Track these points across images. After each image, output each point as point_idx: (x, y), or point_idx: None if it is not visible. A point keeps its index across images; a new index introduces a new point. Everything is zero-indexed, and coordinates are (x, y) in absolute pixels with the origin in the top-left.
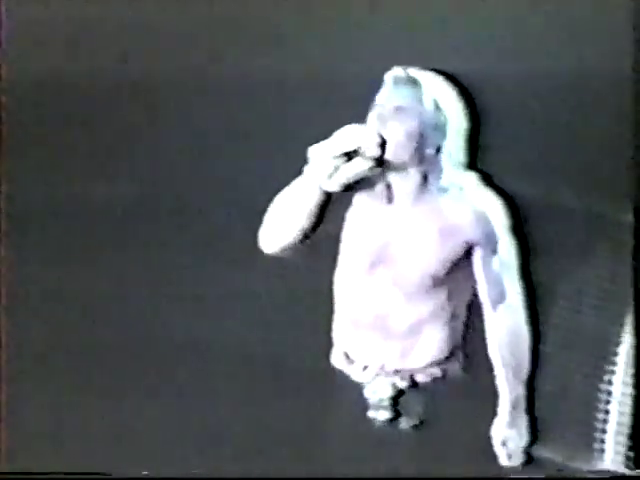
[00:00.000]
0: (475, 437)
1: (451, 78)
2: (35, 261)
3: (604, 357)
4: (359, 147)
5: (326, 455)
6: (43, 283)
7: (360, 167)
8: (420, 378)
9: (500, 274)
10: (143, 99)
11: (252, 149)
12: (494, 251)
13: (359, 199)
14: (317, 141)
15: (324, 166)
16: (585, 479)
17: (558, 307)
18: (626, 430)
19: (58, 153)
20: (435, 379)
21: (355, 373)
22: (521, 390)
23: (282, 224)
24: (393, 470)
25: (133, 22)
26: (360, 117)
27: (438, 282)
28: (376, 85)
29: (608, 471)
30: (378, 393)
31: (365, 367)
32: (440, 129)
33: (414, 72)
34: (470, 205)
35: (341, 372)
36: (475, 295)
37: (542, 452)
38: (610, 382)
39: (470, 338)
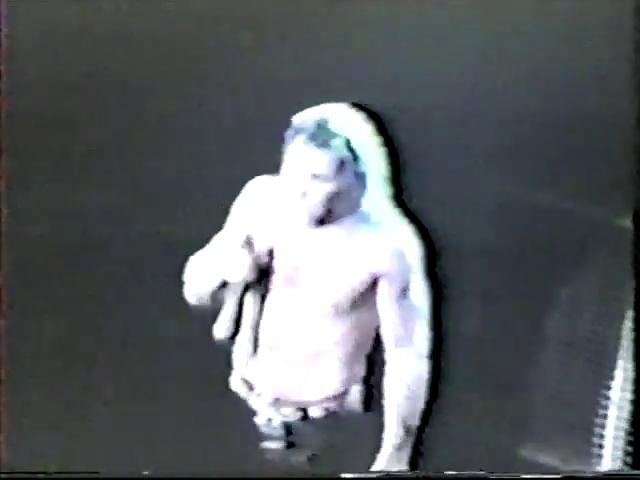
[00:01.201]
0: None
1: (372, 113)
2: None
3: (602, 363)
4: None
5: None
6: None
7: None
8: (315, 411)
9: (408, 315)
10: (143, 99)
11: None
12: (404, 290)
13: (283, 220)
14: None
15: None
16: (585, 479)
17: (556, 312)
18: (624, 435)
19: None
20: (331, 413)
21: (252, 400)
22: (406, 434)
23: (203, 277)
24: None
25: (133, 22)
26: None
27: (342, 312)
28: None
29: (608, 471)
30: (271, 423)
31: (259, 394)
32: (361, 179)
33: (327, 113)
34: (385, 238)
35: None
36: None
37: (541, 456)
38: (609, 387)
39: (376, 373)
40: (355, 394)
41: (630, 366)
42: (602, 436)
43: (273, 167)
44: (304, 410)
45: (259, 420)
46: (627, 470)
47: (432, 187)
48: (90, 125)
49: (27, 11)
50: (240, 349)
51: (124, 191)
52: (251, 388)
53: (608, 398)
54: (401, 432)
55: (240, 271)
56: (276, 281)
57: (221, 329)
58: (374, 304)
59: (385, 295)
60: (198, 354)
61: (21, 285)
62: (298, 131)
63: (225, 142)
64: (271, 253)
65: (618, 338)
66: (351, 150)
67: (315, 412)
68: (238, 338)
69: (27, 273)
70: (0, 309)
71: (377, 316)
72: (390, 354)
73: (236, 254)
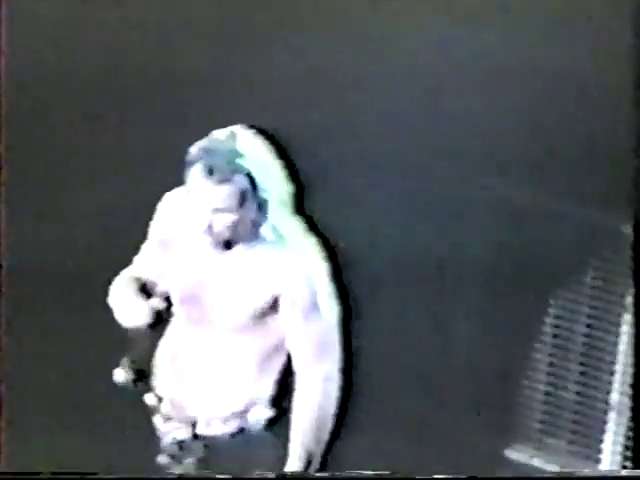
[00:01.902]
0: None
1: (270, 135)
2: None
3: (601, 367)
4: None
5: None
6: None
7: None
8: (215, 429)
9: (316, 336)
10: (143, 99)
11: None
12: (310, 309)
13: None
14: None
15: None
16: (585, 478)
17: (554, 317)
18: (622, 439)
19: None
20: (231, 431)
21: (156, 418)
22: (307, 461)
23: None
24: None
25: (133, 22)
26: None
27: (242, 331)
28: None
29: (608, 471)
30: (168, 438)
31: (163, 409)
32: (262, 206)
33: (226, 140)
34: (287, 258)
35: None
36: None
37: (540, 459)
38: (608, 392)
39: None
40: (258, 413)
41: (630, 370)
42: (601, 441)
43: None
44: (194, 426)
45: (160, 435)
46: (627, 470)
47: (338, 203)
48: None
49: (27, 11)
50: (159, 366)
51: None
52: (160, 401)
53: (607, 402)
54: (304, 458)
55: (134, 319)
56: (180, 302)
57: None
58: (279, 325)
59: (289, 315)
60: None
61: (21, 287)
62: (196, 160)
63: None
64: (168, 298)
65: (617, 343)
66: (251, 180)
67: (214, 430)
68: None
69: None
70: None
71: (284, 336)
72: (299, 376)
73: (132, 302)
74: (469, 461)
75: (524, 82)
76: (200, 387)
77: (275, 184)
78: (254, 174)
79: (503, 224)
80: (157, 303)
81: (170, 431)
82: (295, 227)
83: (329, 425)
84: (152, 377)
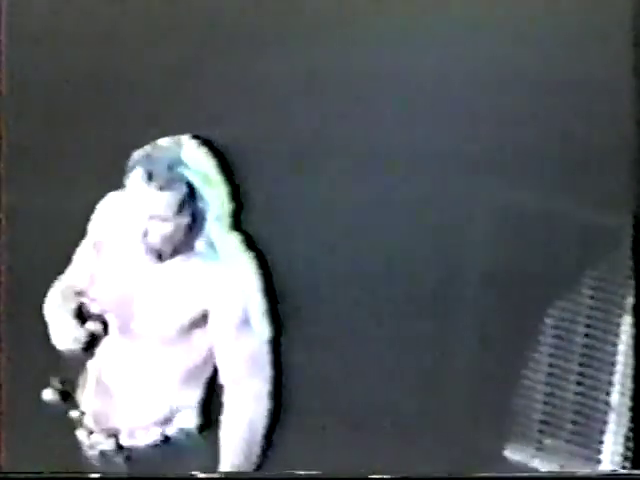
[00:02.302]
0: None
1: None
2: None
3: (601, 367)
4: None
5: None
6: None
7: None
8: (136, 439)
9: (245, 353)
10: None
11: None
12: (240, 325)
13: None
14: None
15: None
16: (585, 479)
17: (554, 317)
18: (622, 439)
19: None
20: (158, 439)
21: (79, 431)
22: (247, 466)
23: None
24: None
25: (133, 22)
26: None
27: (169, 343)
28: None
29: (608, 471)
30: (94, 450)
31: (86, 423)
32: (200, 216)
33: (168, 148)
34: (219, 272)
35: None
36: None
37: (542, 459)
38: (608, 393)
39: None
40: (184, 420)
41: (630, 371)
42: (601, 442)
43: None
44: (117, 437)
45: (84, 447)
46: (627, 470)
47: (277, 220)
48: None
49: (27, 11)
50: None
51: None
52: (83, 414)
53: (608, 404)
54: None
55: (68, 343)
56: (108, 309)
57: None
58: (207, 338)
59: (220, 331)
60: None
61: (22, 282)
62: (138, 164)
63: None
64: (104, 321)
65: (617, 343)
66: (191, 190)
67: (137, 440)
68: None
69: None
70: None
71: (211, 350)
72: (227, 392)
73: (67, 325)
74: (468, 461)
75: (524, 83)
76: (124, 398)
77: (215, 198)
78: (195, 185)
79: (503, 225)
80: (93, 327)
81: (93, 444)
82: (231, 242)
83: (258, 443)
84: (79, 391)
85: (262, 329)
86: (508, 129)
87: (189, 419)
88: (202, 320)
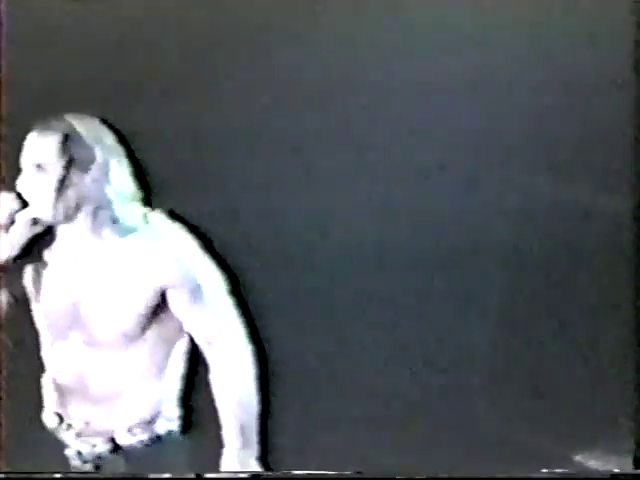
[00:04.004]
0: None
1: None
2: None
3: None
4: (6, 218)
5: None
6: None
7: (16, 235)
8: (124, 440)
9: (210, 312)
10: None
11: None
12: (195, 291)
13: (33, 266)
14: None
15: None
16: (585, 479)
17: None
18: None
19: None
20: (145, 438)
21: (62, 433)
22: (249, 425)
23: None
24: None
25: (134, 23)
26: None
27: (135, 338)
28: None
29: (609, 472)
30: (81, 455)
31: (69, 426)
32: (96, 172)
33: (61, 121)
34: (156, 247)
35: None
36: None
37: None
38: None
39: (197, 391)
40: (170, 414)
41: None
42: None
43: None
44: (112, 439)
45: (69, 452)
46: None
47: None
48: None
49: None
50: (46, 385)
51: None
52: (61, 420)
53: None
54: (238, 432)
55: None
56: (58, 323)
57: None
58: (172, 315)
59: (179, 303)
60: None
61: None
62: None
63: None
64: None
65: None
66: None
67: (125, 439)
68: (44, 375)
69: None
70: None
71: (181, 325)
72: (208, 355)
73: None
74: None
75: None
76: (104, 400)
77: (118, 170)
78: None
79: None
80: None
81: (78, 446)
82: (154, 218)
83: (253, 393)
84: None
85: (216, 287)
86: (530, 120)
87: (171, 412)
88: (161, 301)
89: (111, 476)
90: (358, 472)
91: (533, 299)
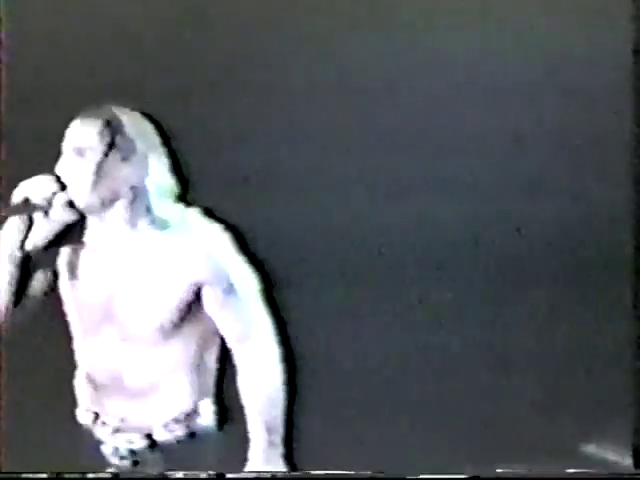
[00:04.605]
0: None
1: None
2: None
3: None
4: (43, 200)
5: None
6: None
7: (53, 217)
8: (160, 435)
9: (241, 311)
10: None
11: None
12: (229, 288)
13: (67, 256)
14: None
15: (13, 233)
16: (585, 479)
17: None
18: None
19: None
20: (181, 435)
21: (97, 430)
22: (276, 424)
23: None
24: None
25: (179, 20)
26: None
27: (169, 333)
28: None
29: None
30: (118, 451)
31: (104, 423)
32: (134, 163)
33: (104, 110)
34: (193, 243)
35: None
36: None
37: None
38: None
39: (227, 387)
40: (206, 410)
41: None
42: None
43: None
44: (149, 435)
45: (106, 449)
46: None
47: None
48: None
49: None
50: (80, 382)
51: None
52: (97, 418)
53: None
54: (265, 430)
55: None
56: (92, 319)
57: None
58: (206, 313)
59: (211, 300)
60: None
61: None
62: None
63: None
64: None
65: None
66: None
67: (162, 436)
68: (77, 372)
69: None
70: None
71: (214, 323)
72: (236, 354)
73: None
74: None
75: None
76: (140, 396)
77: (157, 162)
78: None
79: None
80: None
81: (115, 443)
82: (188, 215)
83: (281, 393)
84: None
85: (249, 286)
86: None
87: (206, 408)
88: (196, 298)
89: (110, 476)
90: (379, 472)
91: (533, 299)
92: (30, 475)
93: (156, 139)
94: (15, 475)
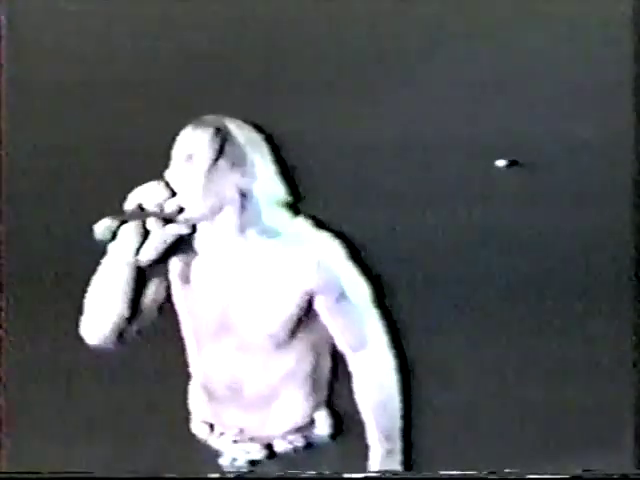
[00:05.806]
0: None
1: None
2: None
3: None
4: (155, 206)
5: None
6: None
7: (168, 230)
8: (279, 446)
9: (355, 319)
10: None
11: None
12: (340, 296)
13: (179, 265)
14: None
15: (129, 240)
16: (585, 479)
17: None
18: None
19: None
20: (298, 445)
21: (214, 441)
22: (393, 431)
23: (100, 312)
24: None
25: (136, 24)
26: None
27: (284, 342)
28: None
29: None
30: (235, 462)
31: (221, 434)
32: (244, 170)
33: (215, 119)
34: (304, 252)
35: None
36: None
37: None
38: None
39: (339, 396)
40: (322, 420)
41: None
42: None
43: None
44: (268, 445)
45: (223, 461)
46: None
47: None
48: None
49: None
50: (195, 394)
51: None
52: (212, 429)
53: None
54: (383, 438)
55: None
56: (208, 329)
57: None
58: (319, 322)
59: (324, 309)
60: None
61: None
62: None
63: None
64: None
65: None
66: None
67: (281, 446)
68: (191, 384)
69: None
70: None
71: (327, 332)
72: (352, 362)
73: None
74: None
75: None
76: (257, 406)
77: (269, 179)
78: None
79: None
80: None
81: (233, 454)
82: (299, 223)
83: (397, 401)
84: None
85: (361, 294)
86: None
87: (324, 421)
88: (308, 306)
89: (114, 475)
90: (492, 472)
91: (533, 299)
92: (30, 475)
93: (265, 148)
94: (15, 475)
